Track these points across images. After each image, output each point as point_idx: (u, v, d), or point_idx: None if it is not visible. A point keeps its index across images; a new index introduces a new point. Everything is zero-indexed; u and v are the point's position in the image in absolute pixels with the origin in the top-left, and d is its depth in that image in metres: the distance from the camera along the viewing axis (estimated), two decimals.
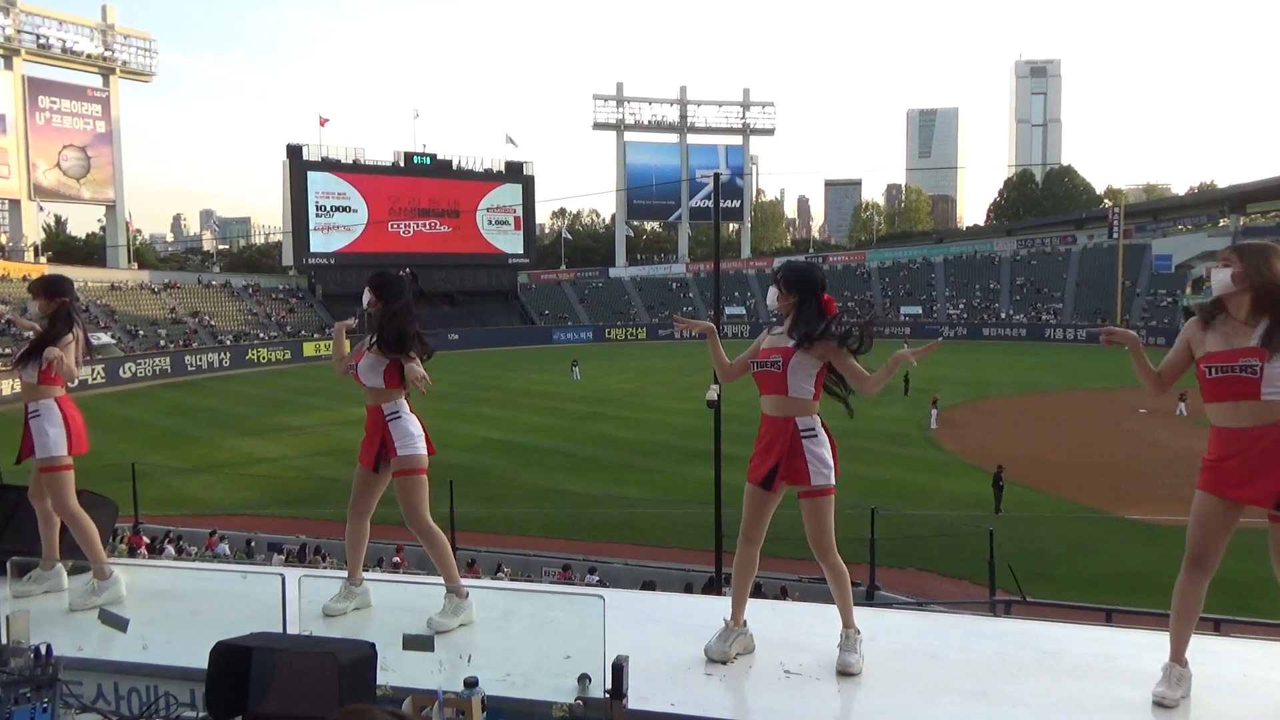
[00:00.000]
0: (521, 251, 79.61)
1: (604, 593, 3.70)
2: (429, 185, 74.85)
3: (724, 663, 3.74)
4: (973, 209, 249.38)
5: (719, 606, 4.12)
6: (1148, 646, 3.98)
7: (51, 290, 4.70)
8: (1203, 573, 3.44)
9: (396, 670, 3.34)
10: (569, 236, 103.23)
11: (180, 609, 4.41)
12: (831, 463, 3.85)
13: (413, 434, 4.39)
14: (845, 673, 3.65)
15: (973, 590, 16.55)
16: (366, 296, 4.47)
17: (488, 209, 77.43)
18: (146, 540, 18.64)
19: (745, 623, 3.91)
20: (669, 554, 19.43)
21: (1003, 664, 3.78)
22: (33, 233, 64.44)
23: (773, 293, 4.00)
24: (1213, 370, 3.37)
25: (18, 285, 55.12)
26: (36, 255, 62.85)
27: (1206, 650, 3.85)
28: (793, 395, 3.85)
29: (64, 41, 62.98)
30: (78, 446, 4.72)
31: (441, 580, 4.30)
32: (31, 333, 4.90)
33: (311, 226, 70.27)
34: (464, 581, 4.30)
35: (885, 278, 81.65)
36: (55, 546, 4.75)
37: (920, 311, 76.34)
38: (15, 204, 62.72)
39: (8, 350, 46.05)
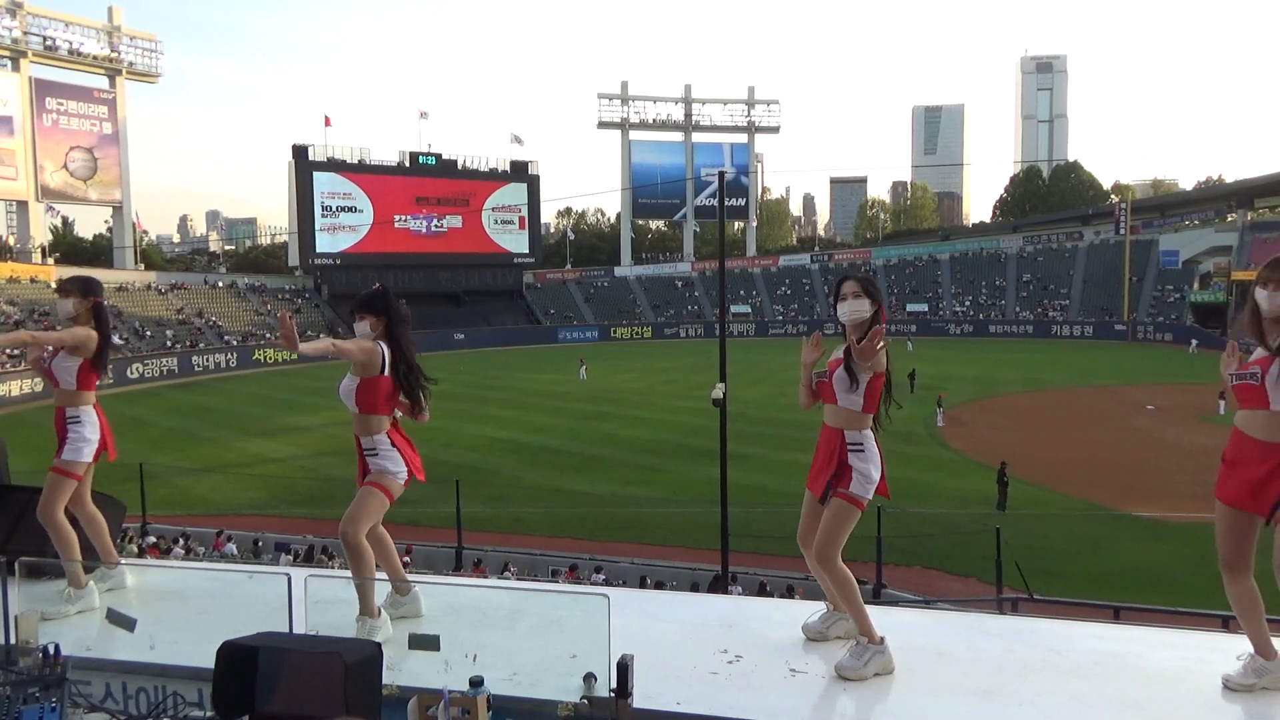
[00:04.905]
0: (527, 251, 79.61)
1: (609, 591, 3.70)
2: (434, 185, 74.91)
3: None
4: (979, 206, 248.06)
5: (724, 605, 4.11)
6: (1156, 644, 3.97)
7: (85, 290, 4.67)
8: None
9: (402, 669, 3.35)
10: (574, 236, 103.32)
11: (188, 609, 4.42)
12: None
13: (400, 460, 4.22)
14: (843, 676, 3.61)
15: (980, 588, 16.53)
16: (366, 322, 4.21)
17: (493, 208, 77.48)
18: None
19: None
20: (675, 553, 19.46)
21: (1010, 662, 3.77)
22: (40, 234, 64.69)
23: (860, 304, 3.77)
24: None
25: (26, 287, 55.34)
26: (44, 257, 63.07)
27: (1213, 647, 3.84)
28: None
29: (70, 43, 63.14)
30: (113, 452, 4.78)
31: (457, 581, 4.27)
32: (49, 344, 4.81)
33: (317, 227, 70.40)
34: (470, 580, 4.30)
35: (891, 275, 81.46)
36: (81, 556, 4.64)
37: (926, 309, 76.22)
38: (23, 205, 62.95)
39: (17, 353, 46.26)
